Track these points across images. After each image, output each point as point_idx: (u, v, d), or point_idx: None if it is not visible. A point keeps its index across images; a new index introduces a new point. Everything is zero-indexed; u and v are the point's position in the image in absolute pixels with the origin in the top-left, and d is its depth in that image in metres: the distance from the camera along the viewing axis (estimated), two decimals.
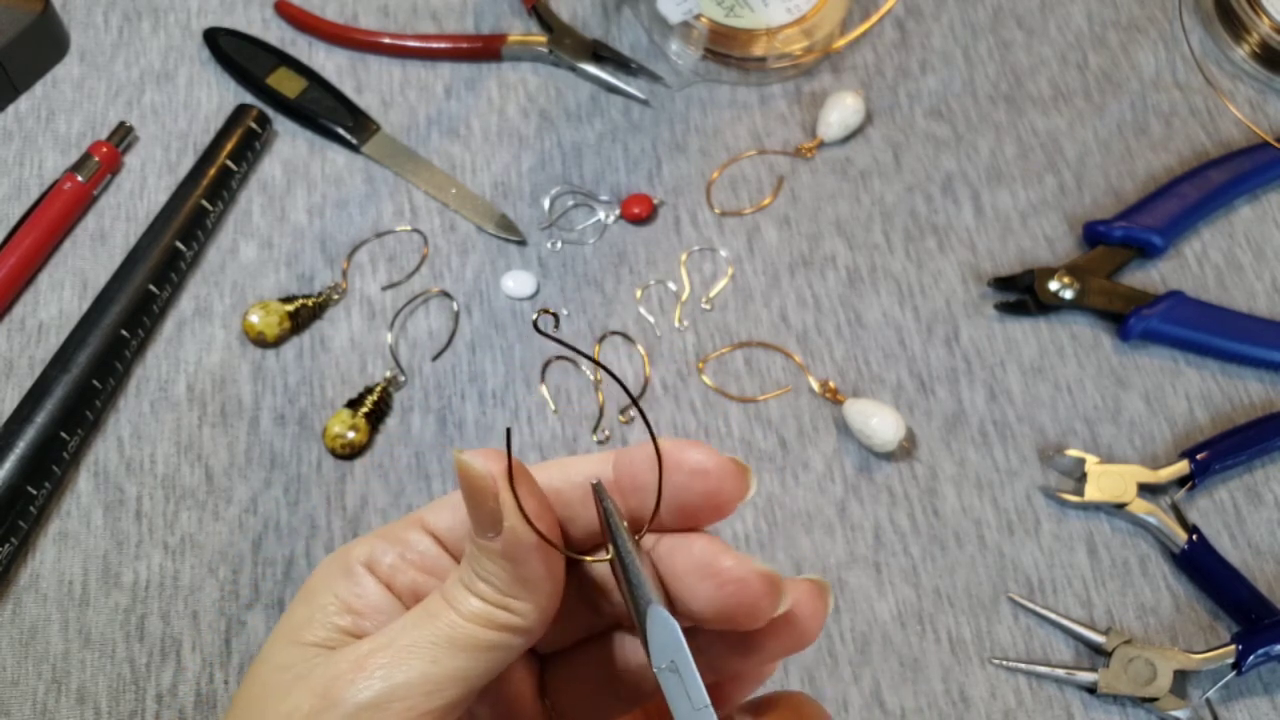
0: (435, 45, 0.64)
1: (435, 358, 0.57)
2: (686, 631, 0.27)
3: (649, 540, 0.29)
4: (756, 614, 0.27)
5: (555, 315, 0.56)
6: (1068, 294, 0.59)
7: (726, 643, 0.29)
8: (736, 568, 0.27)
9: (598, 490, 0.28)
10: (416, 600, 0.29)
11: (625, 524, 0.28)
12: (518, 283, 0.58)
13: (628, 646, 0.31)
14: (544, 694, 0.32)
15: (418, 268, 0.59)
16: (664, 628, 0.27)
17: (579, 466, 0.29)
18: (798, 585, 0.28)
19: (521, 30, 0.65)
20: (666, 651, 0.27)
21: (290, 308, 0.56)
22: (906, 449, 0.56)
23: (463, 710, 0.27)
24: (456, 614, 0.27)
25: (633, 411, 0.56)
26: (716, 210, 0.62)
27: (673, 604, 0.28)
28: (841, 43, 0.66)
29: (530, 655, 0.32)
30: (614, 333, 0.58)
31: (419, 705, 0.26)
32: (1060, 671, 0.51)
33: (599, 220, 0.61)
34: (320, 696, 0.26)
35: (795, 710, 0.28)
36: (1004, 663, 0.52)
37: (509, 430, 0.29)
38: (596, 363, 0.33)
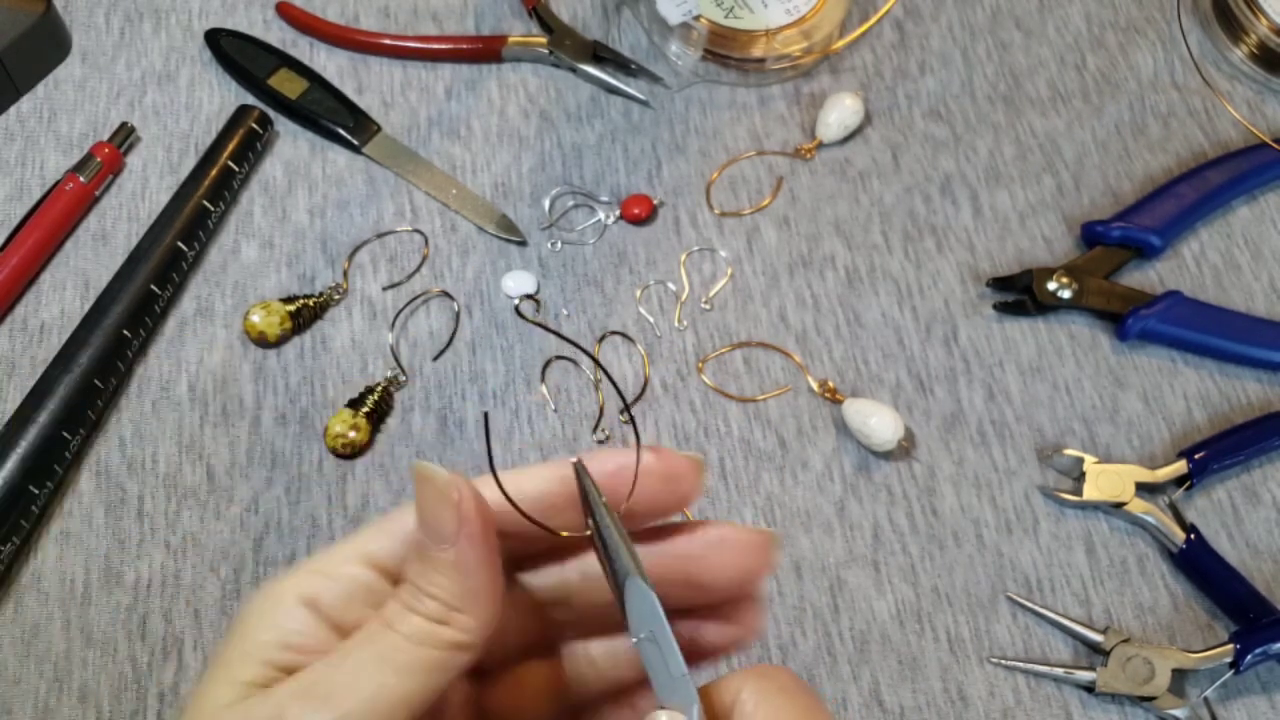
0: (436, 46, 0.64)
1: (436, 357, 0.57)
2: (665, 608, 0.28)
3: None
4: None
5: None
6: (1066, 294, 0.59)
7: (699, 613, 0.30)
8: (744, 535, 0.29)
9: (578, 468, 0.28)
10: None
11: (604, 500, 0.28)
12: (518, 283, 0.58)
13: (577, 658, 0.32)
14: (480, 709, 0.32)
15: (418, 268, 0.59)
16: (642, 599, 0.27)
17: (531, 480, 0.30)
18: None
19: (522, 31, 0.65)
20: (645, 622, 0.27)
21: (291, 308, 0.56)
22: (905, 449, 0.56)
23: None
24: (399, 636, 0.27)
25: (632, 411, 0.56)
26: (716, 211, 0.62)
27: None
28: (840, 44, 0.66)
29: (464, 675, 0.32)
30: (614, 333, 0.58)
31: None
32: (1058, 670, 0.51)
33: (599, 221, 0.61)
34: None
35: (764, 676, 0.28)
36: (1002, 661, 0.52)
37: (485, 414, 0.30)
38: (581, 348, 0.33)
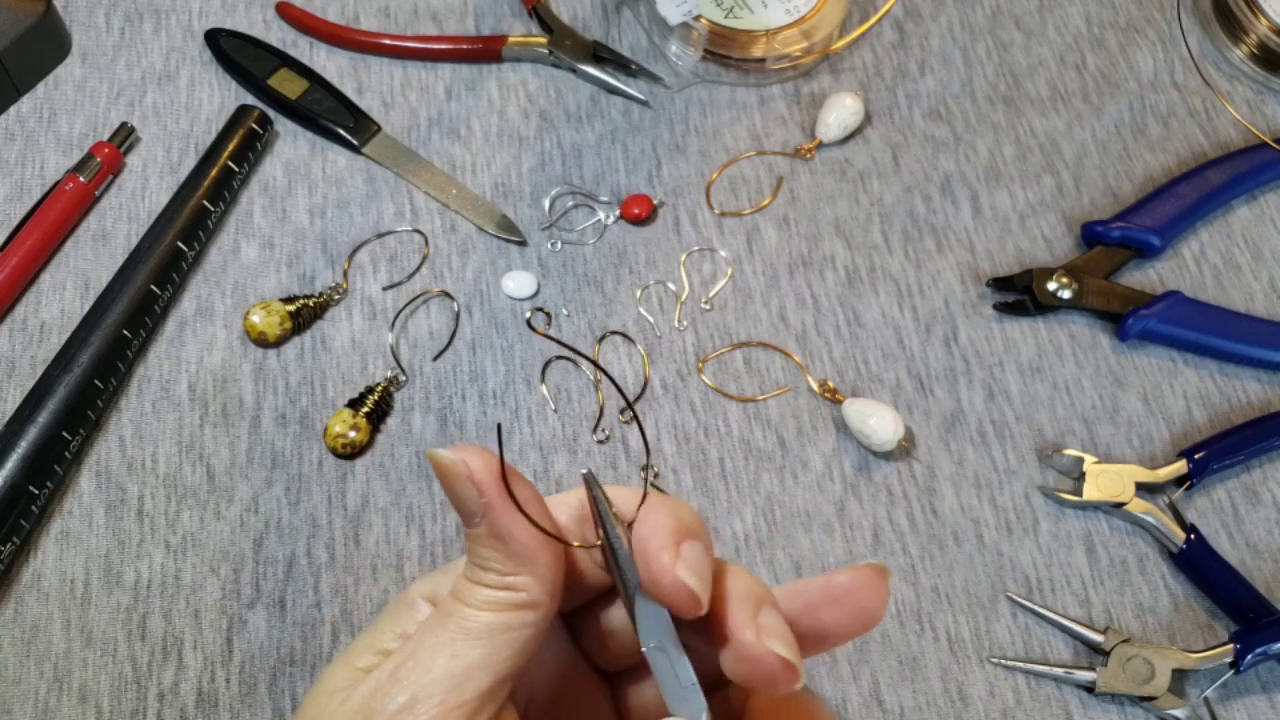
0: (436, 46, 0.64)
1: (436, 357, 0.57)
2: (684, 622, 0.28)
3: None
4: (775, 688, 0.28)
5: (549, 314, 0.56)
6: (1066, 294, 0.59)
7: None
8: (754, 645, 0.27)
9: (588, 479, 0.29)
10: None
11: (615, 512, 0.28)
12: (518, 283, 0.58)
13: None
14: (622, 714, 0.33)
15: (418, 268, 0.59)
16: (651, 609, 0.28)
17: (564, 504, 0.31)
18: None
19: (522, 31, 0.65)
20: (654, 632, 0.27)
21: (291, 308, 0.56)
22: (905, 448, 0.56)
23: (498, 700, 0.28)
24: (467, 606, 0.28)
25: (637, 408, 0.56)
26: (716, 211, 0.62)
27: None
28: (840, 44, 0.66)
29: (601, 675, 0.33)
30: (614, 333, 0.58)
31: (447, 700, 0.27)
32: (1058, 670, 0.51)
33: (599, 221, 0.61)
34: (360, 712, 0.28)
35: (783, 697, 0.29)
36: (1002, 661, 0.52)
37: (499, 426, 0.30)
38: (592, 361, 0.33)
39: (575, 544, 0.30)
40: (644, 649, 0.28)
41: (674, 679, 0.27)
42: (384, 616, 0.31)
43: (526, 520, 0.28)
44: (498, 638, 0.28)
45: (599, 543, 0.29)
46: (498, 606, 0.28)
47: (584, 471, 0.29)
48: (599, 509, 0.28)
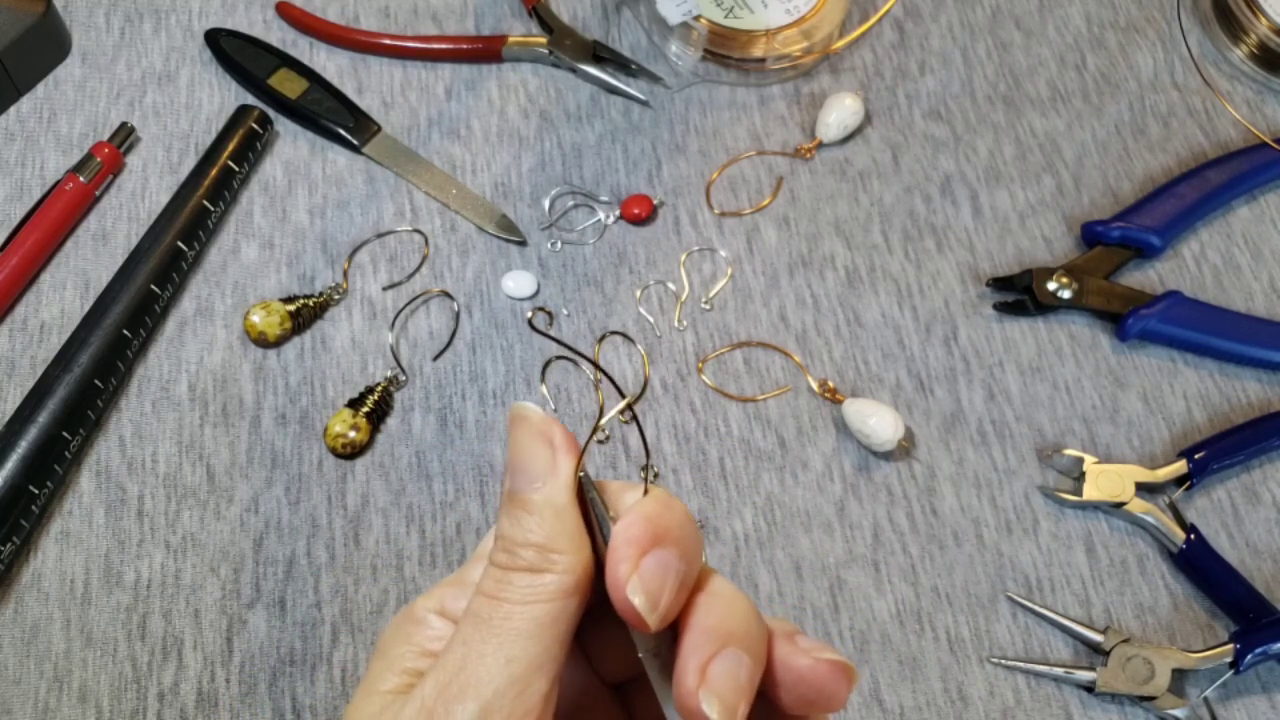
0: (436, 46, 0.64)
1: (436, 357, 0.57)
2: None
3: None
4: (835, 701, 0.27)
5: (550, 314, 0.56)
6: (1066, 294, 0.59)
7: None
8: (689, 695, 0.26)
9: (583, 481, 0.28)
10: None
11: (611, 516, 0.28)
12: (518, 283, 0.58)
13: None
14: None
15: (418, 268, 0.59)
16: None
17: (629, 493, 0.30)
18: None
19: (522, 31, 0.65)
20: (649, 639, 0.27)
21: (291, 308, 0.56)
22: (905, 448, 0.56)
23: (553, 703, 0.27)
24: (508, 604, 0.27)
25: (634, 409, 0.56)
26: (716, 211, 0.62)
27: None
28: (840, 44, 0.66)
29: (608, 685, 0.32)
30: (614, 333, 0.58)
31: (516, 710, 0.26)
32: (1058, 670, 0.51)
33: (599, 221, 0.61)
34: None
35: None
36: (1002, 661, 0.52)
37: (584, 468, 0.29)
38: (592, 361, 0.33)
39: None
40: (640, 654, 0.28)
41: (668, 685, 0.27)
42: (390, 637, 0.29)
43: (580, 501, 0.28)
44: (545, 630, 0.27)
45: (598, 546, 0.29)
46: (541, 597, 0.27)
47: (580, 473, 0.29)
48: (595, 512, 0.28)
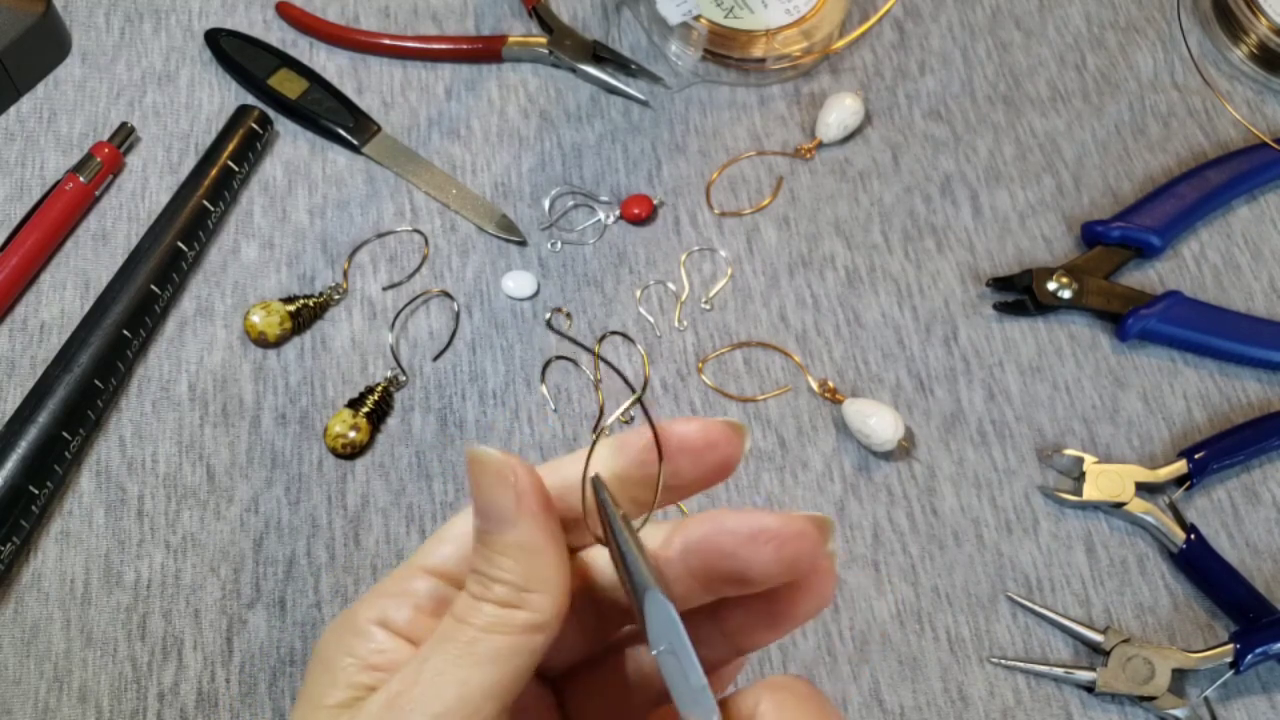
0: (436, 46, 0.64)
1: (436, 357, 0.57)
2: (691, 614, 0.28)
3: (676, 540, 0.29)
4: (818, 559, 0.28)
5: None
6: (1066, 294, 0.59)
7: (754, 616, 0.29)
8: (786, 525, 0.27)
9: (595, 482, 0.28)
10: None
11: (621, 513, 0.28)
12: (518, 283, 0.58)
13: (642, 657, 0.31)
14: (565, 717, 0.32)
15: (418, 268, 0.59)
16: (660, 611, 0.27)
17: (573, 466, 0.29)
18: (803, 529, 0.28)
19: (522, 31, 0.65)
20: (664, 634, 0.27)
21: (291, 308, 0.56)
22: (905, 448, 0.56)
23: None
24: (473, 628, 0.27)
25: (633, 411, 0.56)
26: (716, 211, 0.62)
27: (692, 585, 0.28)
28: (840, 44, 0.66)
29: (543, 681, 0.32)
30: (614, 333, 0.58)
31: None
32: (1058, 670, 0.51)
33: (599, 221, 0.61)
34: None
35: (782, 688, 0.28)
36: (1002, 661, 0.52)
37: (595, 475, 0.29)
38: (607, 362, 0.33)
39: (595, 538, 0.29)
40: (653, 651, 0.28)
41: (684, 681, 0.27)
42: (331, 648, 0.29)
43: (557, 536, 0.27)
44: (506, 661, 0.27)
45: (607, 544, 0.29)
46: (508, 629, 0.27)
47: (592, 476, 0.28)
48: (607, 511, 0.28)
